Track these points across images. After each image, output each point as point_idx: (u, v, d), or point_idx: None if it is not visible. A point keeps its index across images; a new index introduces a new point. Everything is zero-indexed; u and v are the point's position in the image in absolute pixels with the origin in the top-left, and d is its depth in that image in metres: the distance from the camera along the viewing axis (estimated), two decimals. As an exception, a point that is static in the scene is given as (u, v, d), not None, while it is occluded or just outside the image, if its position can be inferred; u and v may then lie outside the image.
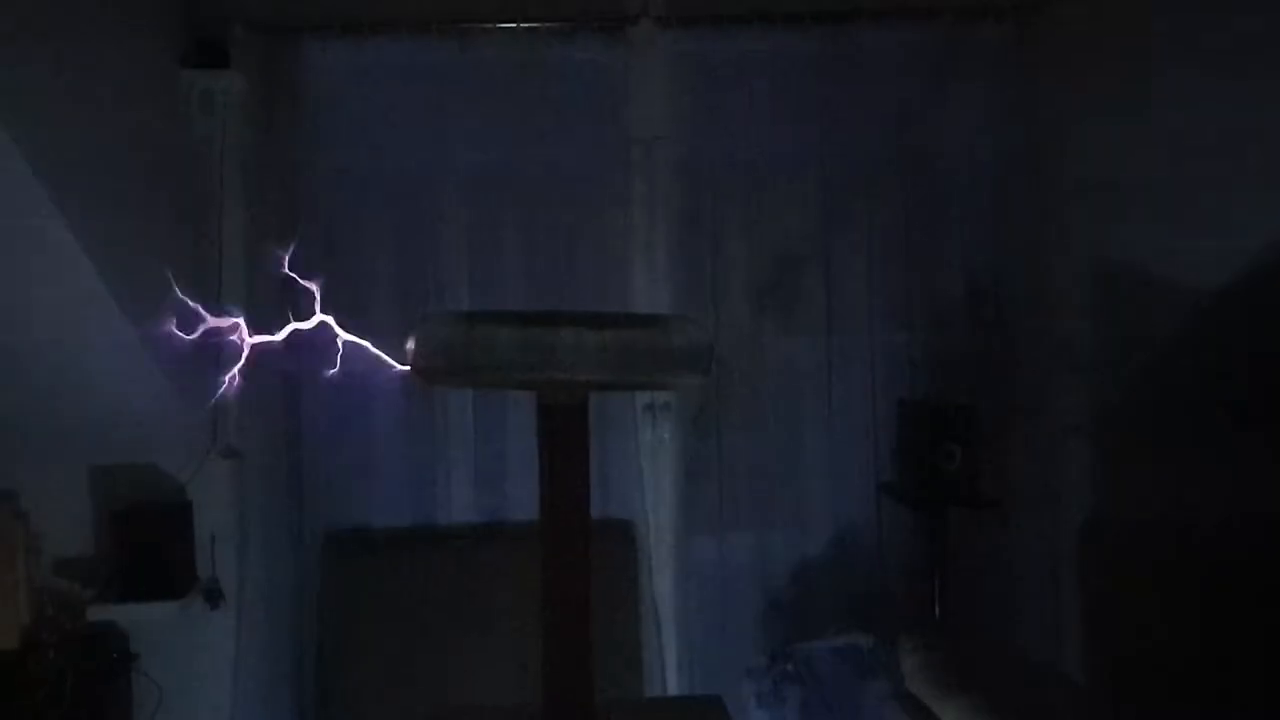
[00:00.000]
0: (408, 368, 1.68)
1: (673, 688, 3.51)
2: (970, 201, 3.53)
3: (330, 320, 1.92)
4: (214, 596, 3.32)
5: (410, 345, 1.68)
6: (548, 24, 3.44)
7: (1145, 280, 3.16)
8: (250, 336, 1.98)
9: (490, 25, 3.43)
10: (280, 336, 1.91)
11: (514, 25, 3.42)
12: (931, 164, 3.53)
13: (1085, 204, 3.36)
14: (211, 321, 2.06)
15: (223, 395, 3.30)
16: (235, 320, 1.99)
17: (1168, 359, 3.19)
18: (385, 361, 1.79)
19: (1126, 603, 2.85)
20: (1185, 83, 2.84)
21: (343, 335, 1.88)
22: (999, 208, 3.53)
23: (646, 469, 3.57)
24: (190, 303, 2.17)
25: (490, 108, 3.46)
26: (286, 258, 2.13)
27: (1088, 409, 3.43)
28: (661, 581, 3.56)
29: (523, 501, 3.46)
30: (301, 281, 2.02)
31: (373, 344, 1.91)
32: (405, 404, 3.50)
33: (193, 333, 2.13)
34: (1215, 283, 2.91)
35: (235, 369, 2.05)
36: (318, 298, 1.94)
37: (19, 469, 3.09)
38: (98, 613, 3.17)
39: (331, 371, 1.87)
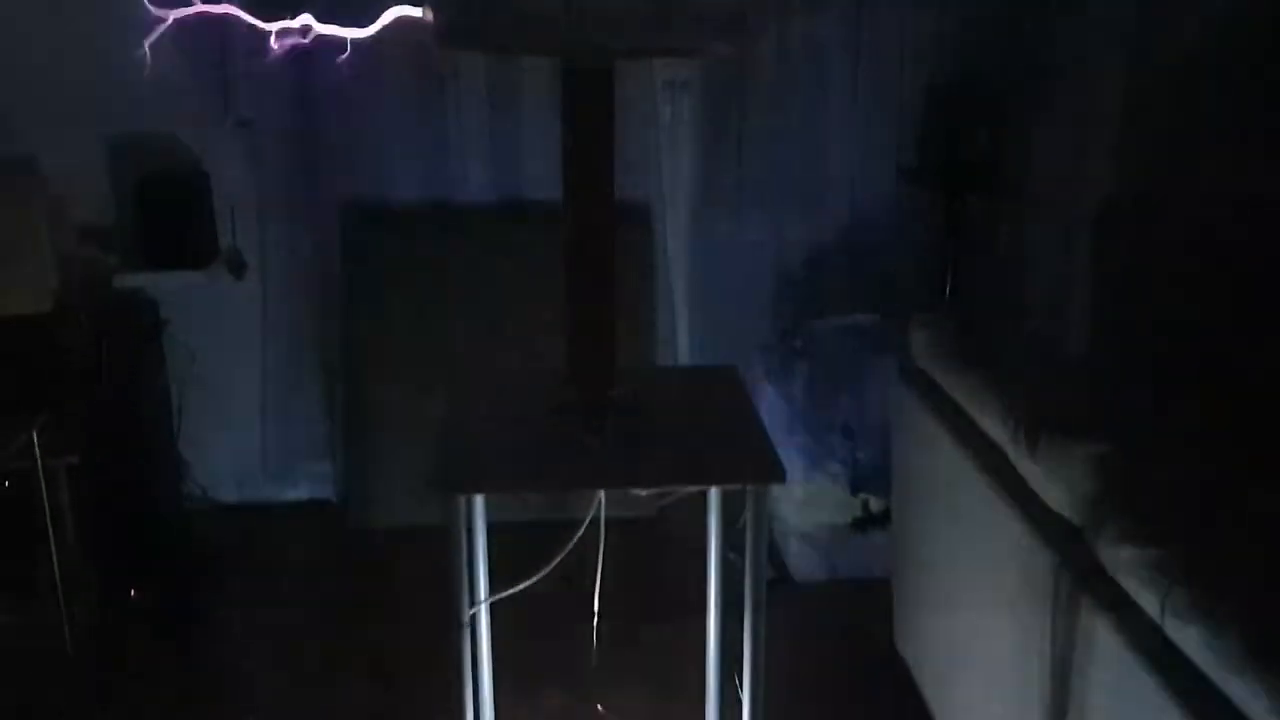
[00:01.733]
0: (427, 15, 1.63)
1: (685, 363, 3.64)
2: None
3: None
4: (237, 266, 3.39)
5: (431, 10, 1.63)
6: None
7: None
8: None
9: None
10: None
11: None
12: None
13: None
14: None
15: (235, 64, 3.28)
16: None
17: (1206, 42, 3.08)
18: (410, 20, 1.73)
19: (1138, 288, 2.90)
20: None
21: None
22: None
23: (665, 148, 3.54)
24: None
25: None
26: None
27: (1120, 92, 3.34)
28: (677, 260, 3.61)
29: (538, 181, 3.45)
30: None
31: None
32: (418, 78, 3.42)
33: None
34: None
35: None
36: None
37: (35, 135, 3.07)
38: (124, 281, 3.24)
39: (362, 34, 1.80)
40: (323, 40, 1.83)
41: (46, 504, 2.78)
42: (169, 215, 3.25)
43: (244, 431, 3.60)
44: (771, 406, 3.26)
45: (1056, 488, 1.80)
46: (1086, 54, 3.36)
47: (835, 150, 3.54)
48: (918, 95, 3.38)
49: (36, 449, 2.74)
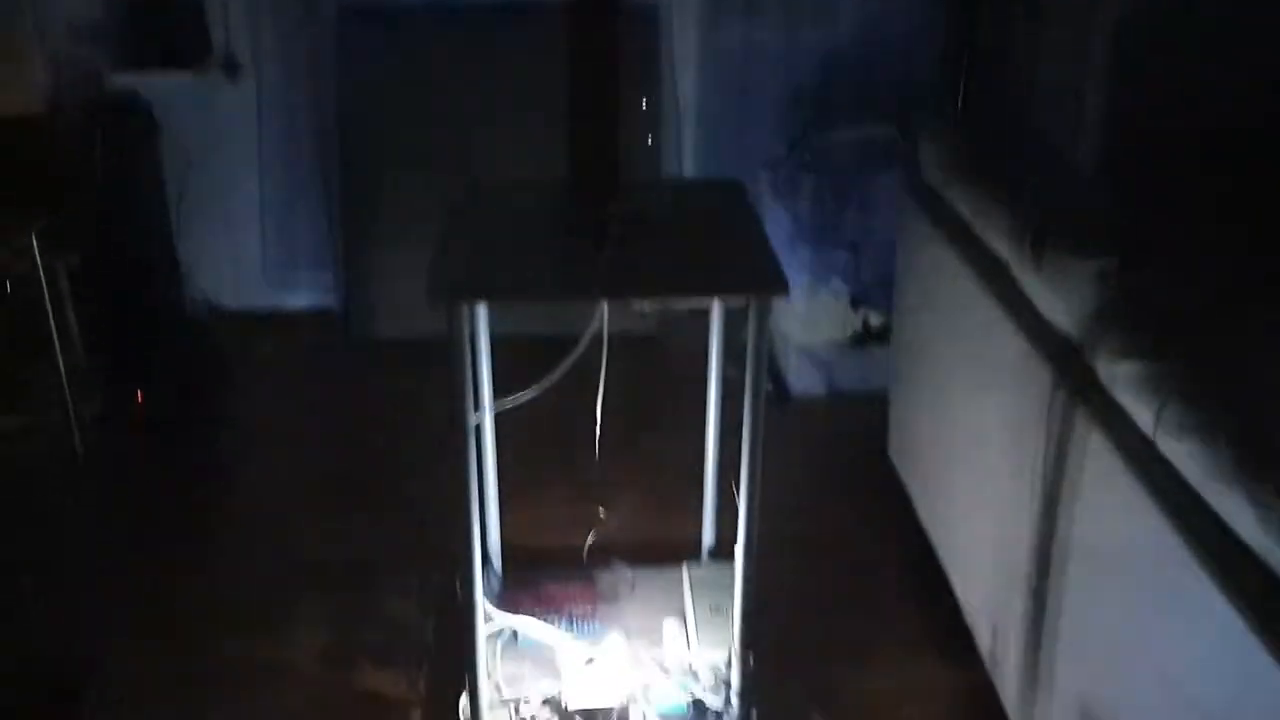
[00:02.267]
0: None
1: (689, 173, 3.59)
2: None
3: None
4: (232, 67, 3.31)
5: None
6: None
7: None
8: None
9: None
10: None
11: None
12: None
13: None
14: None
15: None
16: None
17: None
18: None
19: (1154, 102, 2.83)
20: None
21: None
22: None
23: (673, -51, 3.41)
24: None
25: None
26: None
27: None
28: (684, 69, 3.52)
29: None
30: None
31: None
32: None
33: None
34: None
35: None
36: None
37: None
38: (118, 82, 3.17)
39: None
40: None
41: (49, 304, 2.79)
42: (159, 13, 3.15)
43: (244, 238, 3.58)
44: (776, 222, 3.24)
45: (1058, 302, 1.80)
46: None
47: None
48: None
49: (36, 250, 2.73)
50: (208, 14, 3.26)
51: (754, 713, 1.94)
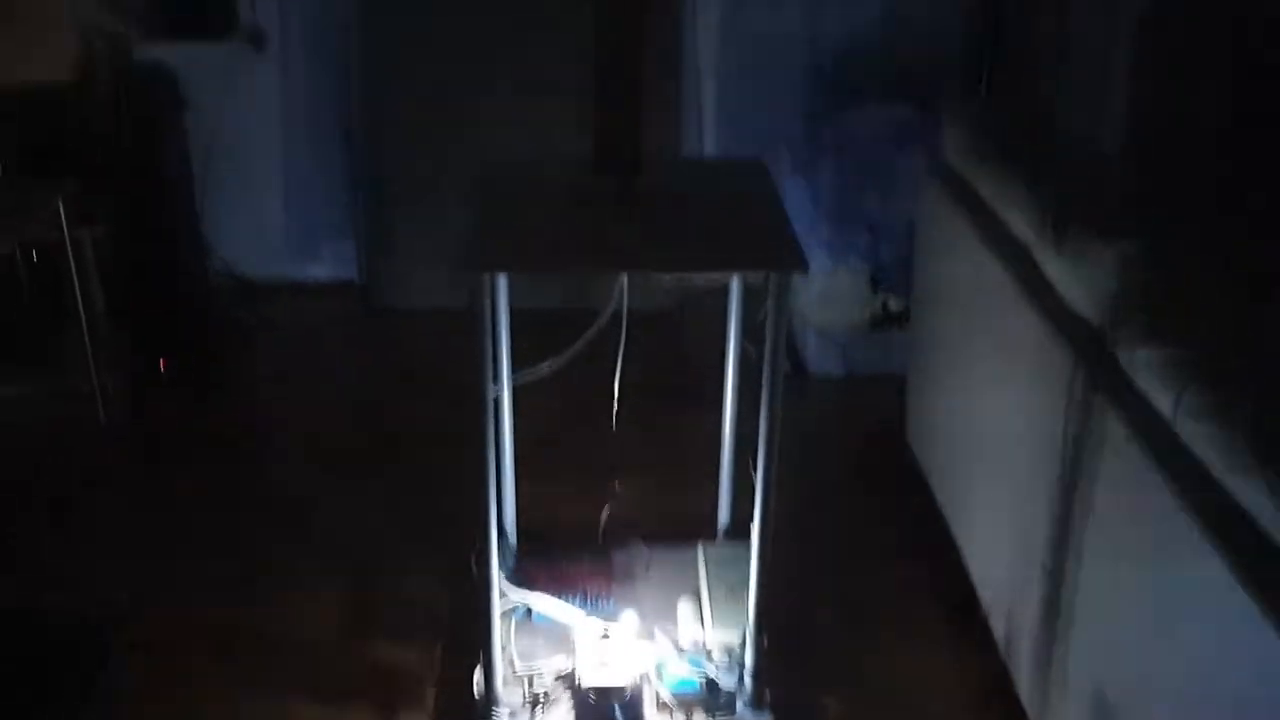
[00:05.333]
0: None
1: (710, 152, 3.59)
2: None
3: None
4: (258, 39, 3.32)
5: None
6: None
7: None
8: None
9: None
10: None
11: None
12: None
13: None
14: None
15: None
16: None
17: None
18: None
19: (1181, 88, 2.81)
20: None
21: None
22: None
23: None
24: None
25: None
26: None
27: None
28: (707, 44, 3.50)
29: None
30: None
31: None
32: None
33: None
34: None
35: None
36: None
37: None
38: (145, 52, 3.18)
39: None
40: None
41: (75, 273, 2.81)
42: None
43: (267, 207, 3.60)
44: (797, 201, 3.22)
45: (1079, 285, 1.79)
46: None
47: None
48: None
49: (63, 219, 2.75)
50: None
51: (767, 694, 1.94)
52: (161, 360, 3.12)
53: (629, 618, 2.07)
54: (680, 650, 2.05)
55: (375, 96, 3.46)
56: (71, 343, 2.89)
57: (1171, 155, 2.62)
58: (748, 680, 1.95)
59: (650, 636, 2.07)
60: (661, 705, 1.97)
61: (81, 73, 2.91)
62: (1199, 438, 1.42)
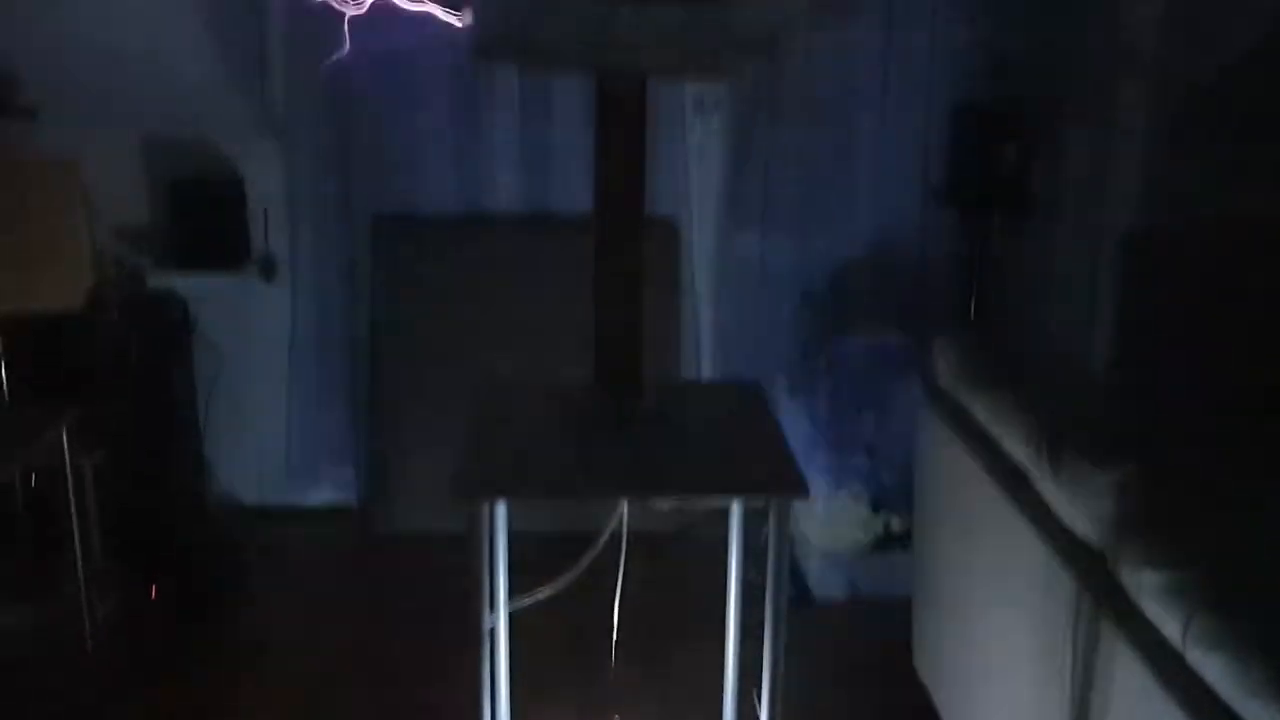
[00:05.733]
0: (463, 21, 1.66)
1: (707, 374, 3.65)
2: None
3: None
4: (268, 269, 3.42)
5: (469, 17, 1.65)
6: None
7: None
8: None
9: None
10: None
11: None
12: None
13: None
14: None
15: (272, 71, 3.33)
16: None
17: (1238, 70, 3.06)
18: (442, 26, 1.75)
19: (1165, 310, 2.88)
20: None
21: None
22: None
23: (693, 165, 3.56)
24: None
25: None
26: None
27: (1146, 116, 3.33)
28: (702, 275, 3.62)
29: (568, 191, 3.48)
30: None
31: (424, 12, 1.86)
32: (452, 91, 3.45)
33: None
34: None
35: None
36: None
37: (77, 139, 3.12)
38: (157, 280, 3.28)
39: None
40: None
41: (73, 501, 2.80)
42: (203, 217, 3.29)
43: (268, 433, 3.63)
44: (795, 424, 3.26)
45: (1079, 510, 1.79)
46: (1115, 74, 3.36)
47: (863, 168, 3.54)
48: (945, 113, 3.38)
49: (65, 446, 2.76)
50: (249, 219, 3.39)
51: None
52: (153, 586, 3.08)
53: None
54: None
55: (381, 325, 3.55)
56: (64, 567, 2.85)
57: (1160, 370, 2.67)
58: None
59: None
60: None
61: (94, 302, 2.98)
62: (1210, 664, 1.39)
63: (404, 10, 1.85)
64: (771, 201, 3.57)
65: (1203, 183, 3.10)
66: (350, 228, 3.54)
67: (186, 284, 3.36)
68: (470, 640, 1.66)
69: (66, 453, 2.77)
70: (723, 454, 1.83)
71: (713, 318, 3.67)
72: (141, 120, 3.32)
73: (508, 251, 3.50)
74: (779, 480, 1.71)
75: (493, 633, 1.96)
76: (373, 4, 1.88)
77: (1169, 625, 1.49)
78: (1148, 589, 1.56)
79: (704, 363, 3.68)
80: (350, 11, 1.88)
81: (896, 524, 3.15)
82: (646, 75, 1.73)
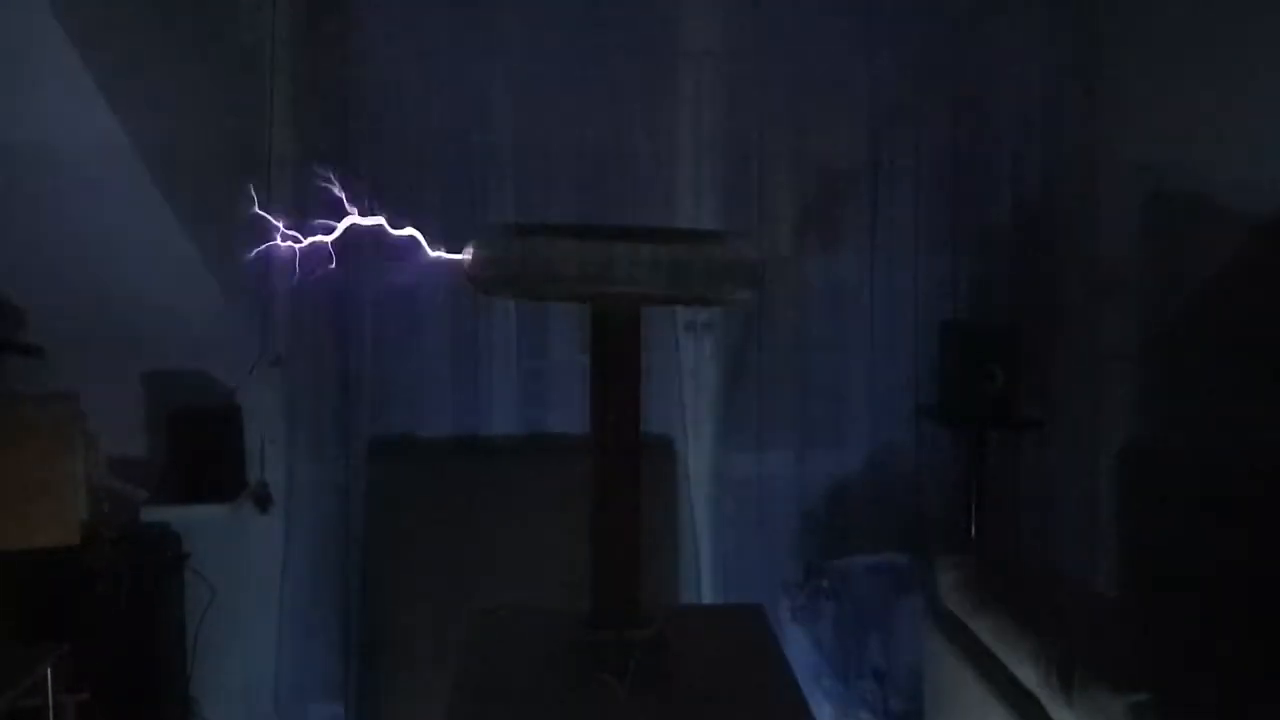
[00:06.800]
0: (461, 259, 1.71)
1: (708, 598, 3.58)
2: (1019, 123, 3.51)
3: (384, 221, 1.92)
4: (263, 500, 3.41)
5: (469, 255, 1.72)
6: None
7: (1197, 208, 3.13)
8: (301, 242, 2.00)
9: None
10: (335, 234, 1.93)
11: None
12: (982, 85, 3.50)
13: (1136, 127, 3.31)
14: (261, 229, 2.08)
15: (272, 305, 3.41)
16: (285, 228, 2.01)
17: (1217, 289, 3.16)
18: (437, 263, 1.81)
19: (1163, 527, 2.87)
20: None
21: (396, 233, 1.88)
22: (1049, 129, 3.50)
23: (687, 387, 3.61)
24: (245, 209, 2.19)
25: (540, 16, 3.44)
26: (335, 170, 2.14)
27: (1132, 335, 3.41)
28: (699, 497, 3.61)
29: (565, 414, 3.51)
30: (351, 189, 2.02)
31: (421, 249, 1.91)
32: (450, 318, 3.54)
33: (245, 241, 2.15)
34: (1271, 212, 2.87)
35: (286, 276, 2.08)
36: (368, 201, 1.95)
37: (78, 373, 3.16)
38: (151, 513, 3.25)
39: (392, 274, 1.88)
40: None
41: (54, 745, 2.70)
42: (199, 450, 3.29)
43: (257, 669, 3.52)
44: (798, 648, 3.18)
45: (1096, 739, 1.74)
46: (1096, 300, 3.46)
47: (855, 388, 3.60)
48: (932, 334, 3.45)
49: (49, 686, 2.68)
50: (246, 449, 3.40)
51: None
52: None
53: None
54: None
55: (376, 559, 3.51)
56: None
57: (1167, 591, 2.63)
58: None
59: None
60: None
61: (88, 536, 2.95)
62: None
63: (392, 236, 1.90)
64: (767, 420, 3.61)
65: (1195, 400, 3.15)
66: (348, 456, 3.55)
67: (181, 515, 3.33)
68: None
69: (50, 693, 2.68)
70: (725, 689, 1.79)
71: (711, 536, 3.64)
72: (142, 352, 3.37)
73: (505, 476, 3.50)
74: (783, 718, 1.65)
75: None
76: (358, 232, 1.94)
77: None
78: (1174, 824, 1.49)
79: (704, 584, 3.63)
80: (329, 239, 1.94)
81: (909, 752, 3.04)
82: (639, 303, 1.77)
